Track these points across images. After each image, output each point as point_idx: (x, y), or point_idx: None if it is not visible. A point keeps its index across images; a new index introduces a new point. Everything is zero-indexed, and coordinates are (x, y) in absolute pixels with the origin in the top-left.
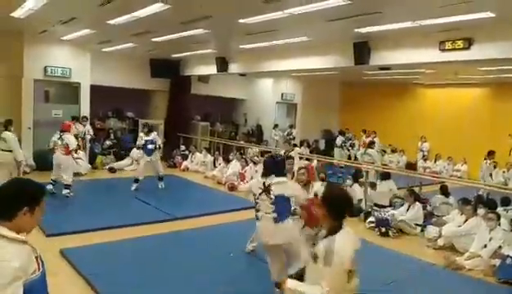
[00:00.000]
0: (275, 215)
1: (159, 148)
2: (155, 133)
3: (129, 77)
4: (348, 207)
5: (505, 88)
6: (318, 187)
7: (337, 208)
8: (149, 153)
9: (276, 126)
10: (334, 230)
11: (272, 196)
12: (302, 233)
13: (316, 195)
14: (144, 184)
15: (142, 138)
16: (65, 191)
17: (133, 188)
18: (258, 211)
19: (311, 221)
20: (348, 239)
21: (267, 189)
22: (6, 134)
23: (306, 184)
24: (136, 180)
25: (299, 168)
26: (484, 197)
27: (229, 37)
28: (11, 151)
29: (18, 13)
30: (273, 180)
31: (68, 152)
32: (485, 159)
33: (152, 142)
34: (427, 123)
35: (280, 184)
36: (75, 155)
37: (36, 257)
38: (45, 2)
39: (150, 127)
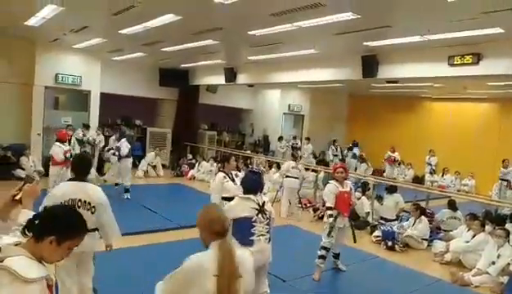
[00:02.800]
0: (268, 235)
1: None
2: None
3: (138, 85)
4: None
5: None
6: (350, 184)
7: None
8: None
9: (280, 138)
10: None
11: (268, 216)
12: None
13: (351, 189)
14: (150, 192)
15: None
16: None
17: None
18: (252, 235)
19: (348, 211)
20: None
21: (262, 210)
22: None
23: (342, 181)
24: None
25: (338, 167)
26: (492, 212)
27: (238, 49)
28: None
29: (32, 22)
30: (263, 198)
31: (53, 162)
32: None
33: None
34: (434, 137)
35: (267, 201)
36: None
37: (49, 286)
38: (58, 12)
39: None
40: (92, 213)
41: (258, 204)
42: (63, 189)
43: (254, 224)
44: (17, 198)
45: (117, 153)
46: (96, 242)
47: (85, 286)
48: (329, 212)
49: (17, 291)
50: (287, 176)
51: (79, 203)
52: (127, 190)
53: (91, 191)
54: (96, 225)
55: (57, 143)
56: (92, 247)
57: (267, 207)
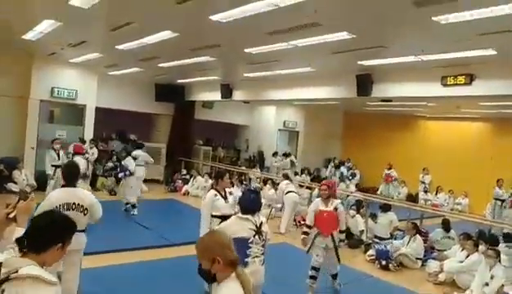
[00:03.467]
0: (263, 257)
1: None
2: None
3: (134, 100)
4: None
5: (507, 123)
6: (337, 203)
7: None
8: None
9: (275, 153)
10: None
11: (264, 237)
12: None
13: (336, 209)
14: (143, 208)
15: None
16: None
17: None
18: (247, 256)
19: (327, 231)
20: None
21: (259, 231)
22: (139, 152)
23: (327, 199)
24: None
25: (322, 184)
26: (486, 232)
27: (234, 66)
28: (141, 165)
29: (29, 36)
30: (261, 218)
31: None
32: None
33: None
34: (428, 155)
35: (264, 221)
36: None
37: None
38: (56, 27)
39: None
40: (85, 215)
41: (256, 225)
42: (56, 196)
43: (251, 245)
44: (11, 216)
45: (127, 172)
46: (84, 240)
47: (70, 291)
48: (303, 229)
49: (45, 292)
50: (288, 192)
51: (73, 206)
52: (134, 206)
53: (82, 195)
54: (87, 224)
55: (78, 156)
56: (82, 244)
57: (264, 228)
